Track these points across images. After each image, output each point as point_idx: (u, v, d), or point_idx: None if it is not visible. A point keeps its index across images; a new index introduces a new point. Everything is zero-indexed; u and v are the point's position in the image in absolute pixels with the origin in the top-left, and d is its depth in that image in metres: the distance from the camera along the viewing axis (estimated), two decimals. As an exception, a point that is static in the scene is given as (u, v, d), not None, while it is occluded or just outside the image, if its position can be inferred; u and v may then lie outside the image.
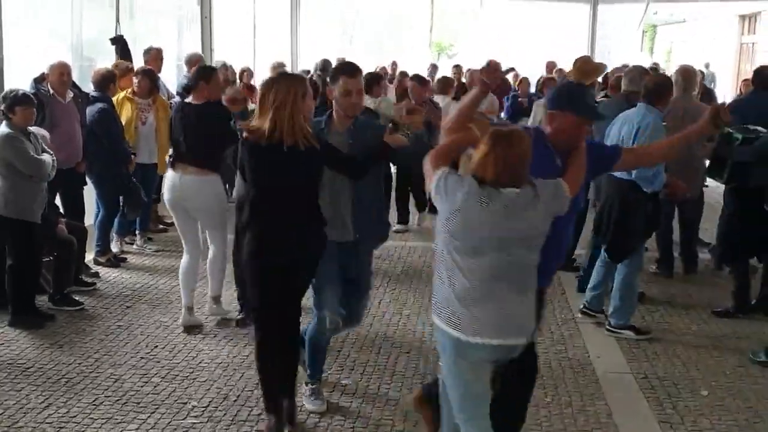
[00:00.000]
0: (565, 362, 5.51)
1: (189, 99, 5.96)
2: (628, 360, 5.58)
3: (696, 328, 6.25)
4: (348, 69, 4.46)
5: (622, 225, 5.88)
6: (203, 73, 5.97)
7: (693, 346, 5.88)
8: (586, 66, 7.87)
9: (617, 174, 5.80)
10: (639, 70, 7.30)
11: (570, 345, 5.82)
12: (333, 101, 4.48)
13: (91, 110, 7.29)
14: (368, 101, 8.16)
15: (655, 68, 10.57)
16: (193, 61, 9.40)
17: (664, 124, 5.94)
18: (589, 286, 6.37)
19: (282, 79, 4.26)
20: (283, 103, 4.04)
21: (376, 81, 8.64)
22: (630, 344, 5.84)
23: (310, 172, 4.17)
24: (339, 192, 4.42)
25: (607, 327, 6.05)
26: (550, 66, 14.37)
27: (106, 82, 7.48)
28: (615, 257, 6.02)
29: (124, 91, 7.81)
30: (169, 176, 5.90)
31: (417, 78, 9.33)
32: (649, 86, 5.96)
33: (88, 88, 7.61)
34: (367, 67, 10.19)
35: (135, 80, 7.80)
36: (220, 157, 6.02)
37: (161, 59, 8.92)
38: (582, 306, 6.39)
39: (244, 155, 4.29)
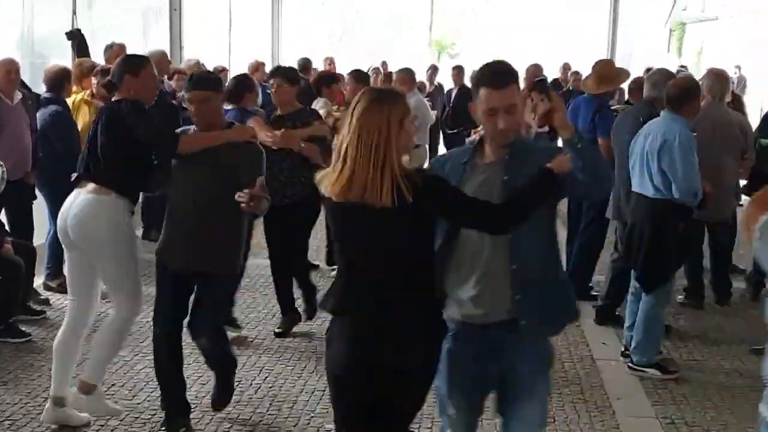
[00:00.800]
0: (580, 404, 5.48)
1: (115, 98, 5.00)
2: (653, 403, 5.55)
3: (730, 367, 6.22)
4: (491, 77, 3.33)
5: (656, 249, 5.82)
6: (130, 63, 4.95)
7: (726, 387, 5.86)
8: (606, 70, 7.84)
9: (649, 192, 5.80)
10: (663, 74, 7.24)
11: (587, 385, 5.79)
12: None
13: (43, 113, 7.26)
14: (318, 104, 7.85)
15: (683, 71, 10.59)
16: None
17: (694, 134, 5.91)
18: (626, 325, 6.29)
19: (370, 104, 3.25)
20: (370, 146, 3.18)
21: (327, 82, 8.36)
22: (655, 384, 5.81)
23: (414, 235, 3.31)
24: (478, 246, 3.37)
25: (629, 365, 6.02)
26: (566, 68, 14.43)
27: (59, 81, 7.45)
28: (648, 286, 5.95)
29: (82, 93, 7.79)
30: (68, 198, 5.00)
31: (355, 75, 8.32)
32: (672, 92, 5.88)
33: (40, 88, 7.59)
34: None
35: (93, 81, 7.78)
36: (133, 174, 4.83)
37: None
38: (623, 349, 6.27)
39: (327, 215, 3.56)
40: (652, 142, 5.77)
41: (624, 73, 8.01)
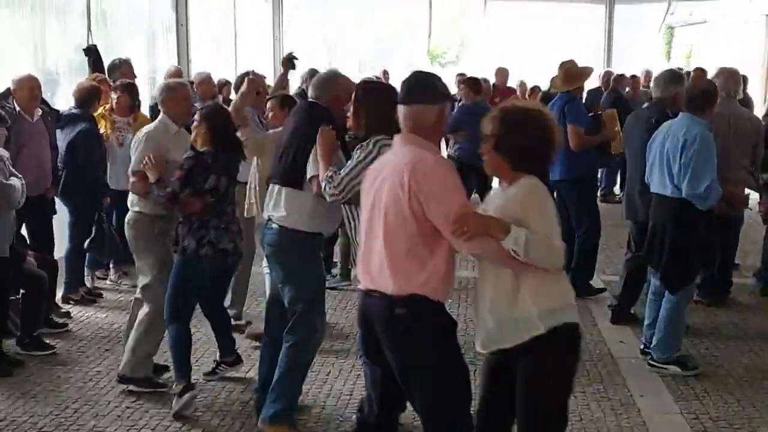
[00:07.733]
0: (605, 403, 5.47)
1: None
2: (676, 399, 5.55)
3: (748, 362, 6.23)
4: None
5: (681, 250, 5.78)
6: None
7: (746, 381, 5.86)
8: (573, 69, 7.94)
9: (666, 192, 5.79)
10: (670, 75, 7.16)
11: (609, 384, 5.77)
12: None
13: (72, 129, 7.25)
14: None
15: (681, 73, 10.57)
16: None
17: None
18: (645, 323, 6.24)
19: None
20: None
21: None
22: (676, 381, 5.80)
23: None
24: None
25: (650, 362, 6.01)
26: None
27: (90, 98, 7.47)
28: (673, 287, 5.88)
29: (101, 108, 7.76)
30: None
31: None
32: (694, 93, 5.85)
33: (55, 105, 7.55)
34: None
35: (114, 96, 7.77)
36: None
37: (133, 72, 8.85)
38: (642, 347, 6.25)
39: None
40: (672, 142, 5.73)
41: (588, 71, 8.11)
